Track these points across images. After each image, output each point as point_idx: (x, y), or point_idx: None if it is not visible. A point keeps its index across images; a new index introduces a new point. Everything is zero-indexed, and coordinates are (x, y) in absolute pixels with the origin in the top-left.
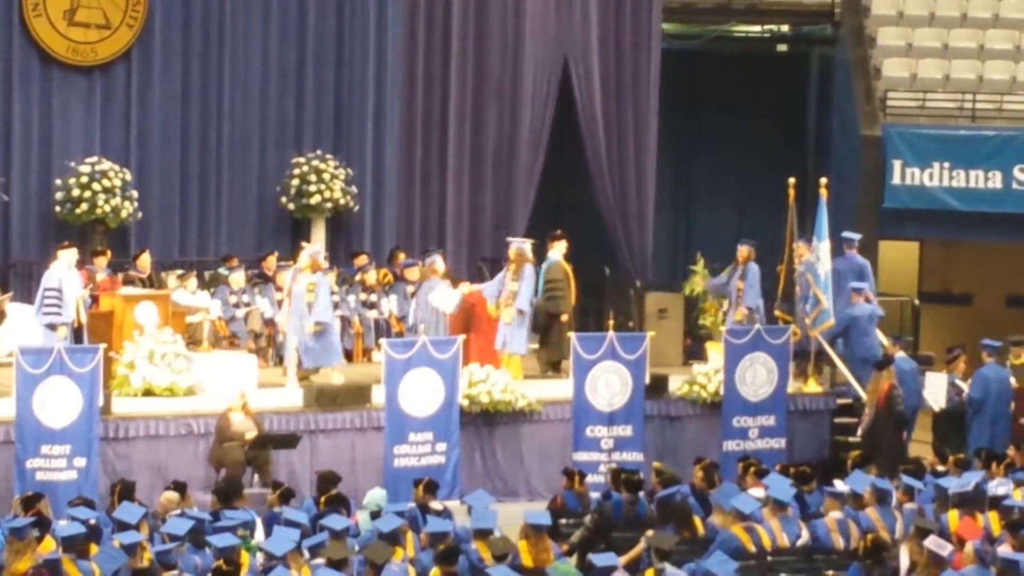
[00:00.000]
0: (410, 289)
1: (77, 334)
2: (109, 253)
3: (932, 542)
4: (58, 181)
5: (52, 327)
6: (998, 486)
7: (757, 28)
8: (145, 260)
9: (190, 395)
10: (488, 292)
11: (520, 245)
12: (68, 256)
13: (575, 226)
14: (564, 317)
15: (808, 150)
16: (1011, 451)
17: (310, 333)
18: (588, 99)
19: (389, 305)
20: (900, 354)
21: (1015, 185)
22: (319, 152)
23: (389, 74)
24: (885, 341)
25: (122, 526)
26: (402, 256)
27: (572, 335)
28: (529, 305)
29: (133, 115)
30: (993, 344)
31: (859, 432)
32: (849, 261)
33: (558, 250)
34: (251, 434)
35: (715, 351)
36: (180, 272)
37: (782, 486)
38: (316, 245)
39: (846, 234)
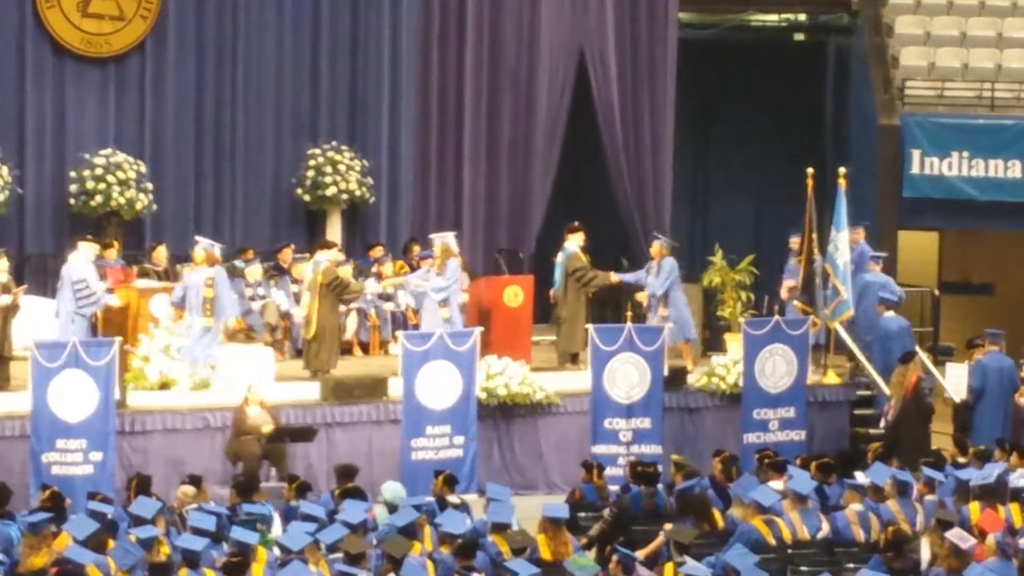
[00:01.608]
0: None
1: (92, 328)
2: (117, 244)
3: (954, 534)
4: (72, 173)
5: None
6: (1020, 477)
7: (774, 17)
8: (161, 253)
9: (206, 388)
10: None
11: (444, 239)
12: (87, 249)
13: (592, 217)
14: (613, 278)
15: (826, 140)
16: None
17: (204, 328)
18: (604, 88)
19: (406, 297)
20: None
21: None
22: (334, 143)
23: (404, 64)
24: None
25: (138, 520)
26: (417, 248)
27: (590, 327)
28: (458, 300)
29: (147, 107)
30: (995, 332)
31: (882, 424)
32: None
33: (575, 241)
34: (268, 427)
35: (734, 343)
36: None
37: (802, 478)
38: (207, 240)
39: (873, 254)
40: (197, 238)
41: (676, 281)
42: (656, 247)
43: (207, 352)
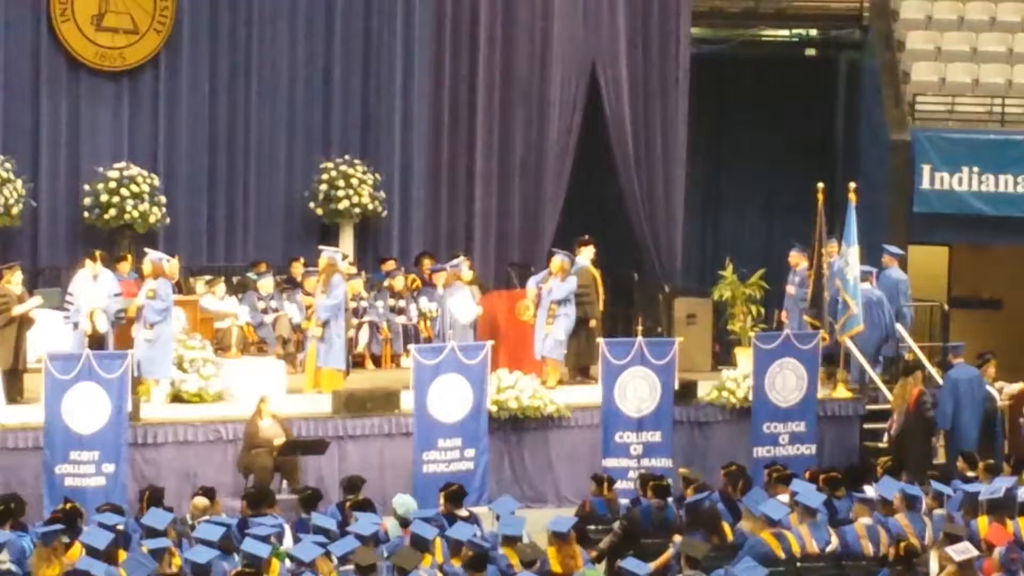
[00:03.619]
0: (437, 294)
1: (99, 342)
2: (131, 258)
3: (951, 548)
4: (86, 187)
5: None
6: None
7: (785, 32)
8: (173, 266)
9: (218, 401)
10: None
11: (331, 254)
12: (90, 267)
13: (603, 231)
14: (593, 322)
15: (837, 155)
16: None
17: (145, 341)
18: (616, 103)
19: (421, 306)
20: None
21: None
22: (347, 157)
23: (416, 78)
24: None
25: (150, 532)
26: (427, 261)
27: (601, 341)
28: (340, 317)
29: (161, 120)
30: (957, 345)
31: (885, 438)
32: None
33: (586, 255)
34: (279, 440)
35: (744, 356)
36: (208, 278)
37: (811, 492)
38: (157, 253)
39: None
40: (147, 250)
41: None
42: (557, 262)
43: (163, 366)
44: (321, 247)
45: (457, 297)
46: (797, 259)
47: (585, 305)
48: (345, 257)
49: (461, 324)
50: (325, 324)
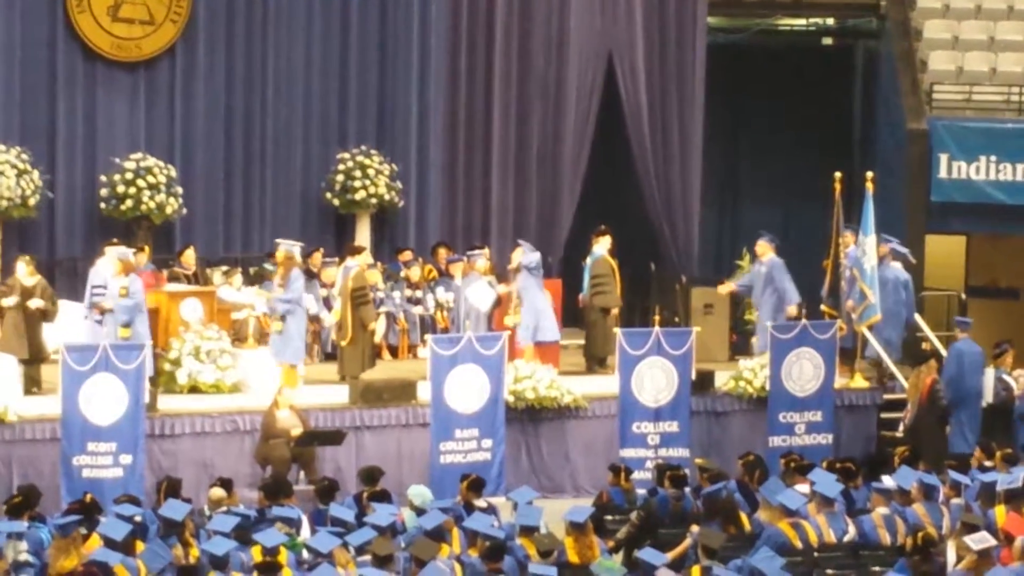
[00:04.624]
0: (455, 284)
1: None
2: (148, 249)
3: (970, 537)
4: (103, 178)
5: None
6: None
7: (802, 21)
8: (189, 256)
9: (236, 392)
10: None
11: (289, 247)
12: (114, 255)
13: (620, 221)
14: (614, 311)
15: (854, 144)
16: None
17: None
18: (633, 93)
19: (438, 296)
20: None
21: None
22: (364, 147)
23: (433, 69)
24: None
25: (168, 523)
26: (442, 251)
27: (618, 331)
28: (300, 312)
29: (177, 111)
30: (965, 321)
31: (900, 428)
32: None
33: (603, 245)
34: (297, 431)
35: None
36: (225, 268)
37: (828, 482)
38: (122, 247)
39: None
40: (112, 247)
41: (533, 284)
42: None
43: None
44: (278, 240)
45: (475, 286)
46: (764, 249)
47: (604, 295)
48: (362, 250)
49: (481, 312)
50: (283, 318)
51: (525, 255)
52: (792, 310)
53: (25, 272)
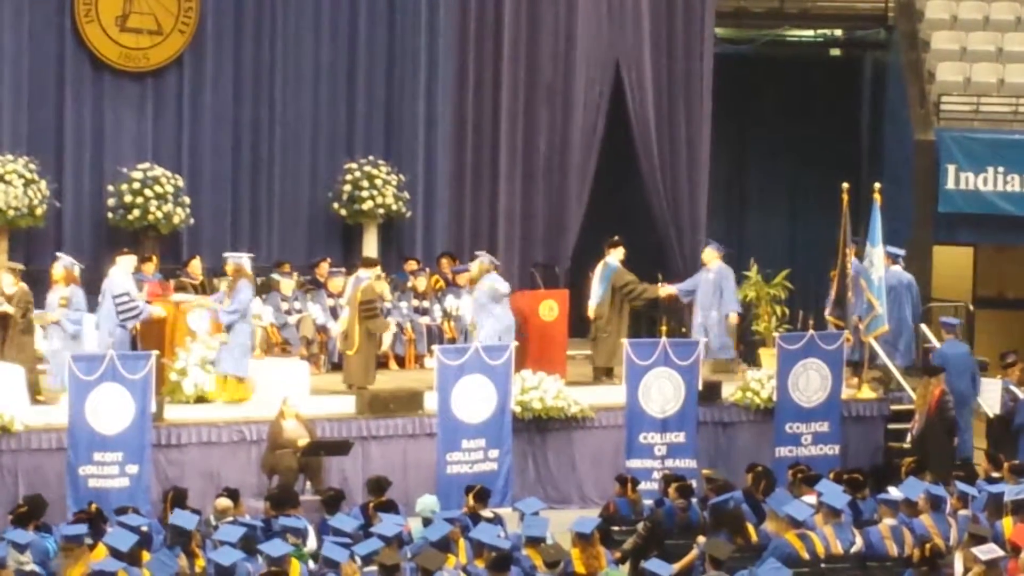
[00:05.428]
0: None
1: (132, 341)
2: (155, 259)
3: (978, 549)
4: (110, 187)
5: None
6: None
7: (810, 32)
8: (196, 266)
9: (242, 402)
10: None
11: (238, 260)
12: (127, 262)
13: (628, 231)
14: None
15: (862, 155)
16: None
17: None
18: (640, 103)
19: (445, 306)
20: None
21: None
22: (371, 158)
23: (440, 79)
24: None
25: (178, 532)
26: (446, 261)
27: (625, 341)
28: (246, 323)
29: (185, 121)
30: (951, 322)
31: (908, 439)
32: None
33: (616, 256)
34: (303, 441)
35: (768, 357)
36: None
37: (835, 493)
38: (69, 258)
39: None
40: (58, 255)
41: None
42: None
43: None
44: (226, 254)
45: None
46: (711, 256)
47: (638, 300)
48: (376, 263)
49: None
50: (229, 329)
51: (500, 283)
52: (732, 318)
53: (10, 281)
